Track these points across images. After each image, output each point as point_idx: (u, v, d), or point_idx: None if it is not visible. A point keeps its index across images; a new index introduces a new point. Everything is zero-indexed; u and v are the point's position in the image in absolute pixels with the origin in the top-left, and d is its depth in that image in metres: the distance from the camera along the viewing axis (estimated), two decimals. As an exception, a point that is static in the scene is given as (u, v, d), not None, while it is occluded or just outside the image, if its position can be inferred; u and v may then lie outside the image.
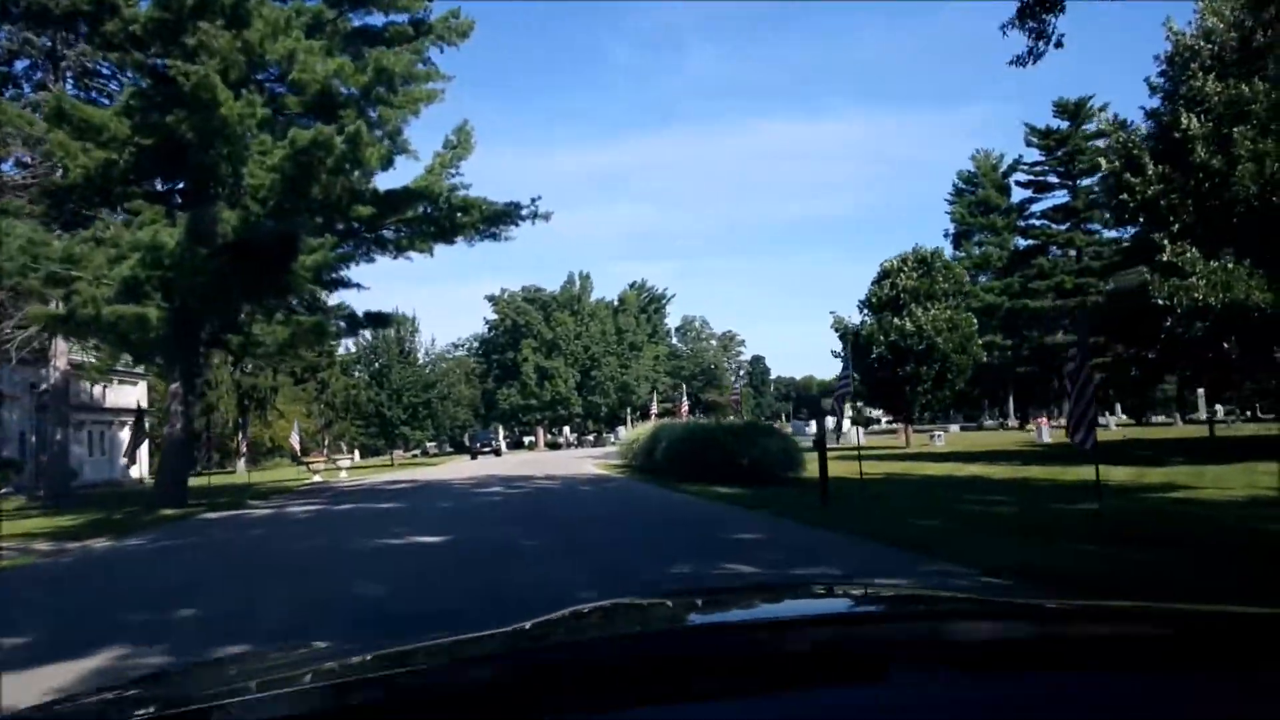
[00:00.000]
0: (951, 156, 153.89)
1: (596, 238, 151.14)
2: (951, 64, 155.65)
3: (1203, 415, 44.64)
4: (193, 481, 23.08)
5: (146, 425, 45.71)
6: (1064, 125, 59.37)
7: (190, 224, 17.75)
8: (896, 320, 36.28)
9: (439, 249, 22.66)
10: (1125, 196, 24.31)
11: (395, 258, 22.62)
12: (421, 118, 21.31)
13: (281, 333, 21.15)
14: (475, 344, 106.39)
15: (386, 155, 20.13)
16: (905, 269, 37.31)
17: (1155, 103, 26.22)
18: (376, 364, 51.77)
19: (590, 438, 72.67)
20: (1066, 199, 60.00)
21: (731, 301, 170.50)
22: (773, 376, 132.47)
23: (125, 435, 44.46)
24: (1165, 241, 22.49)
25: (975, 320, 38.09)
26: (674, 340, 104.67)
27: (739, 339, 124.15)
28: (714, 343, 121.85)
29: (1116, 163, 25.19)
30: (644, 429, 27.24)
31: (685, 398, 29.57)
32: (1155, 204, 23.26)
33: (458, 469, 38.55)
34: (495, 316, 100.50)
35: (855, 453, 19.09)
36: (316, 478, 34.23)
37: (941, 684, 1.05)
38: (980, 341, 37.69)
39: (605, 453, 47.42)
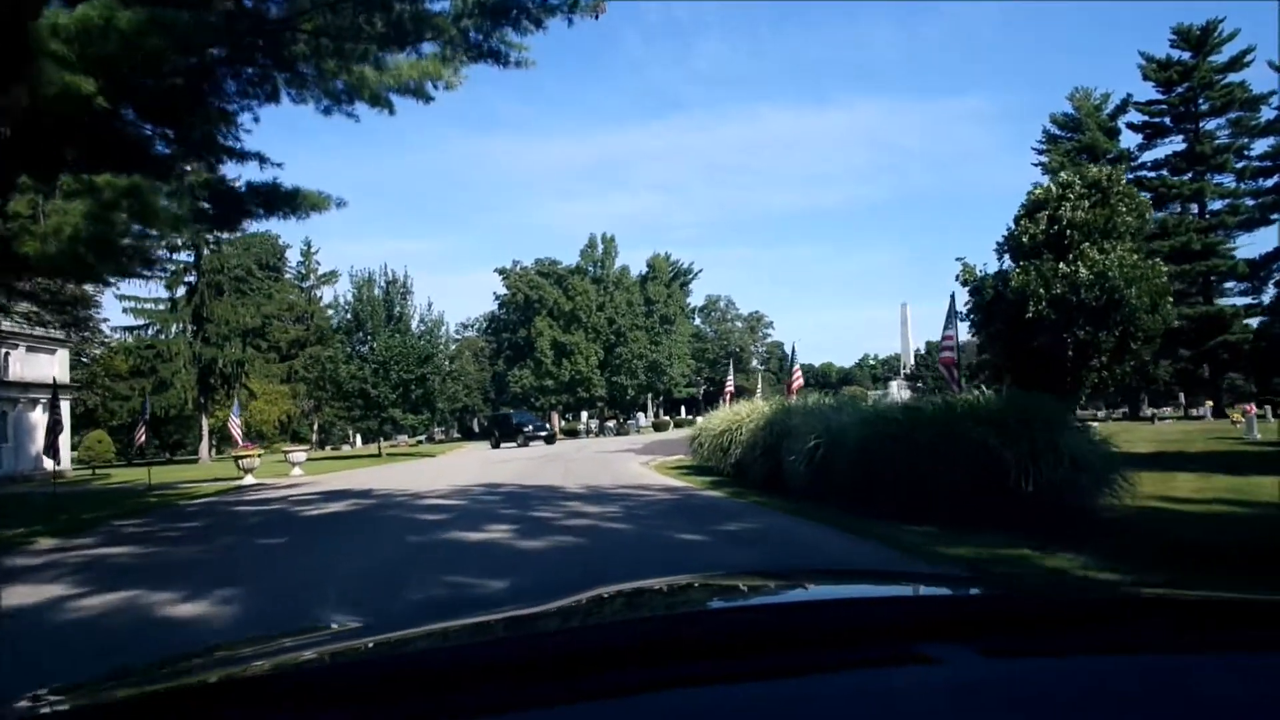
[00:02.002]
0: (952, 148, 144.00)
1: (600, 227, 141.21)
2: (959, 54, 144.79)
3: None
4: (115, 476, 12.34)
5: (66, 404, 35.33)
6: (1185, 57, 48.28)
7: None
8: (1063, 266, 25.31)
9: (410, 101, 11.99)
10: None
11: (307, 96, 11.83)
12: None
13: (72, 214, 10.21)
14: (484, 323, 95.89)
15: None
16: (1070, 196, 26.27)
17: None
18: (358, 331, 41.00)
19: (611, 424, 61.96)
20: (1184, 145, 48.87)
21: (739, 290, 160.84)
22: (794, 363, 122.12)
23: (41, 416, 33.94)
24: None
25: (1165, 269, 27.06)
26: (697, 321, 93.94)
27: (766, 320, 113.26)
28: (739, 324, 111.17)
29: None
30: (743, 412, 16.56)
31: (796, 366, 18.60)
32: None
33: (455, 467, 27.81)
34: (506, 291, 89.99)
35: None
36: (248, 478, 23.56)
37: (970, 669, 1.01)
38: (1171, 300, 26.61)
39: (641, 444, 36.62)
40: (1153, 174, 49.12)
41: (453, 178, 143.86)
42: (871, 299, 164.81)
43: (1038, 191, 27.41)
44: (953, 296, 16.21)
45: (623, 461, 24.46)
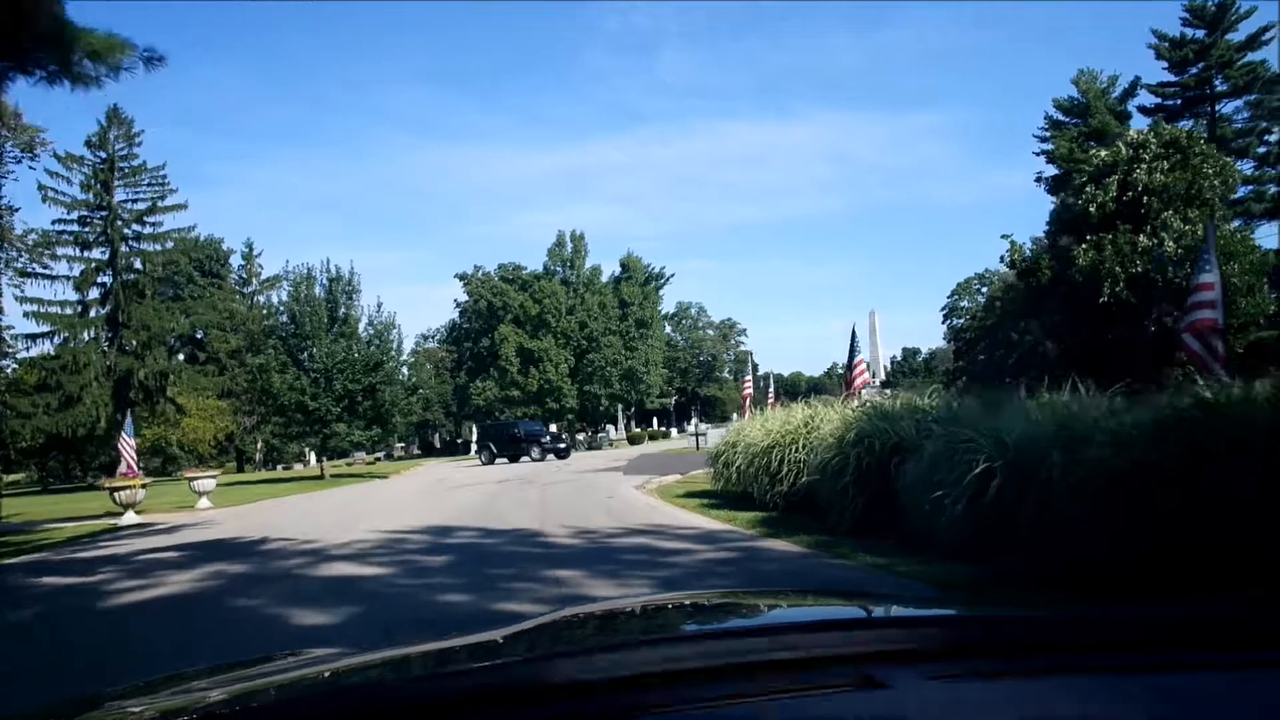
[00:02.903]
0: (915, 161, 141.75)
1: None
2: (917, 69, 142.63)
3: None
4: None
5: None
6: (1199, 35, 44.47)
7: None
8: (1142, 239, 20.74)
9: None
10: None
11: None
12: None
13: None
14: (444, 332, 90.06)
15: None
16: (1145, 157, 21.70)
17: None
18: (296, 336, 35.36)
19: (581, 438, 56.63)
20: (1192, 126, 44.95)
21: (705, 302, 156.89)
22: (760, 373, 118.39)
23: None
24: None
25: (1259, 246, 22.63)
26: (667, 329, 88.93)
27: (739, 328, 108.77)
28: (711, 332, 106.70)
29: None
30: (797, 419, 11.54)
31: (860, 356, 13.67)
32: None
33: (402, 494, 22.52)
34: (467, 298, 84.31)
35: None
36: (128, 515, 18.00)
37: (925, 690, 1.01)
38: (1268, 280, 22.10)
39: (624, 460, 31.44)
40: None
41: (415, 189, 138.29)
42: (838, 308, 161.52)
43: (1103, 154, 22.84)
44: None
45: (612, 484, 19.27)
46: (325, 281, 36.78)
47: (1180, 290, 20.20)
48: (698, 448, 41.49)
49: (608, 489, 17.98)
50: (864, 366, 13.06)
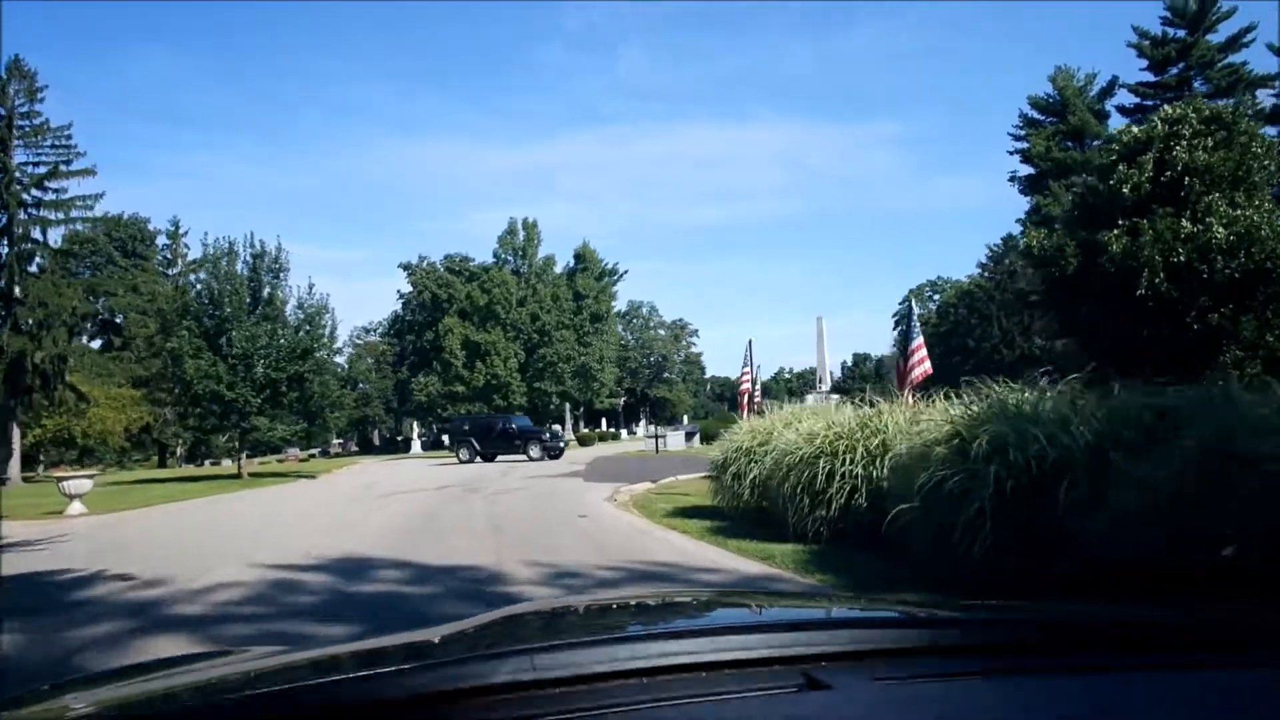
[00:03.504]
0: (866, 167, 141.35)
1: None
2: (872, 77, 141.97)
3: None
4: None
5: None
6: (1180, 34, 42.82)
7: None
8: (1186, 224, 18.09)
9: None
10: None
11: None
12: None
13: None
14: (386, 325, 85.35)
15: None
16: (1185, 133, 19.05)
17: None
18: (213, 312, 31.21)
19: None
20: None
21: (657, 302, 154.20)
22: (707, 375, 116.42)
23: None
24: None
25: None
26: (618, 327, 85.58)
27: (691, 328, 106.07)
28: (662, 332, 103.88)
29: None
30: (846, 422, 8.28)
31: (918, 340, 10.50)
32: None
33: (319, 503, 18.96)
34: (410, 289, 79.84)
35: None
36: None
37: (862, 692, 1.01)
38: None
39: (581, 464, 28.07)
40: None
41: (367, 183, 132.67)
42: (786, 313, 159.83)
43: (1136, 131, 20.17)
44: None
45: (577, 495, 15.88)
46: (249, 258, 32.65)
47: (1233, 284, 17.59)
48: (657, 450, 38.33)
49: (574, 501, 14.60)
50: (924, 354, 9.90)
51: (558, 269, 50.87)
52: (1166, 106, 20.92)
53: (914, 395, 9.68)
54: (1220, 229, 17.51)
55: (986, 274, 79.68)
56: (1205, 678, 1.10)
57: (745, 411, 16.26)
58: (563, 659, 1.05)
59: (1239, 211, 17.66)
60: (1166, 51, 42.28)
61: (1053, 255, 20.42)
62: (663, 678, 1.02)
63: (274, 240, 33.29)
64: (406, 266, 79.80)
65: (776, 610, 1.78)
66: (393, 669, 1.16)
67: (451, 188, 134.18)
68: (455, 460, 34.17)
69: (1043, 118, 46.35)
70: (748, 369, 18.88)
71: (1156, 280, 17.80)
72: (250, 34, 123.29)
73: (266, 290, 32.51)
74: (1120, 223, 18.85)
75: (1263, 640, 1.24)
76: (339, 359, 34.64)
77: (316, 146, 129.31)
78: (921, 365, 9.76)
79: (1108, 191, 19.56)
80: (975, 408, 6.74)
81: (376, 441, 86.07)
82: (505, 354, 46.86)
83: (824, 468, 8.41)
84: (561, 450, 35.47)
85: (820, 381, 79.08)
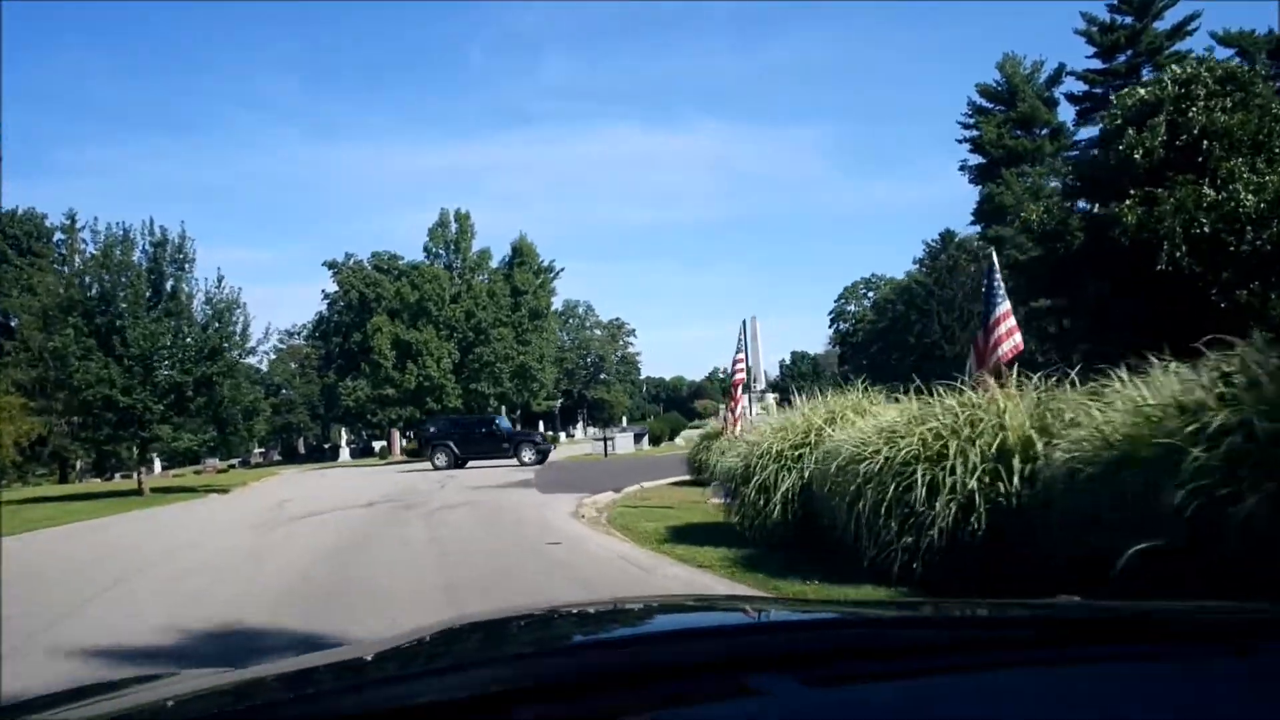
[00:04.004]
0: (795, 175, 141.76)
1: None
2: (797, 83, 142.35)
3: None
4: None
5: None
6: (1128, 21, 41.97)
7: None
8: (1209, 191, 16.26)
9: None
10: None
11: None
12: None
13: None
14: (310, 327, 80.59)
15: None
16: (1200, 94, 17.21)
17: None
18: (105, 308, 27.42)
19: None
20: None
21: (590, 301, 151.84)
22: (642, 376, 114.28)
23: None
24: None
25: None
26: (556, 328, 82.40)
27: (628, 328, 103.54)
28: (599, 332, 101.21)
29: None
30: (919, 419, 5.68)
31: (1003, 306, 8.08)
32: None
33: (213, 529, 15.82)
34: (336, 288, 75.37)
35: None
36: None
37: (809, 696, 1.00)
38: None
39: (525, 472, 25.21)
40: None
41: (286, 183, 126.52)
42: (720, 314, 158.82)
43: (1143, 93, 18.28)
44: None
45: (535, 511, 13.07)
46: (149, 247, 28.85)
47: (1263, 258, 15.76)
48: (606, 454, 35.62)
49: (535, 521, 11.81)
50: (1014, 324, 7.45)
51: (494, 263, 47.63)
52: (1175, 66, 19.15)
53: (999, 375, 7.18)
54: (1249, 196, 15.66)
55: (925, 269, 79.26)
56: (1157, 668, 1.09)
57: (737, 406, 13.71)
58: (498, 673, 1.03)
59: (1267, 178, 15.84)
60: (1115, 38, 41.39)
61: (1055, 230, 18.41)
62: (599, 688, 1.00)
63: (177, 228, 29.13)
64: (332, 265, 75.36)
65: (710, 615, 1.76)
66: (321, 690, 1.11)
67: (375, 190, 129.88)
68: (430, 467, 30.65)
69: (991, 105, 45.10)
70: (742, 355, 15.93)
71: (1177, 254, 15.87)
72: (157, 24, 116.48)
73: (169, 284, 28.75)
74: (1132, 193, 16.89)
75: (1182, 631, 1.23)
76: (253, 360, 30.84)
77: (230, 144, 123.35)
78: (1012, 338, 7.30)
79: (1116, 159, 17.61)
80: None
81: (302, 450, 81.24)
82: (438, 353, 43.50)
83: (922, 478, 5.85)
84: (549, 452, 32.42)
85: (755, 381, 77.37)
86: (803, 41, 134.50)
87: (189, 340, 28.44)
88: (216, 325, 29.02)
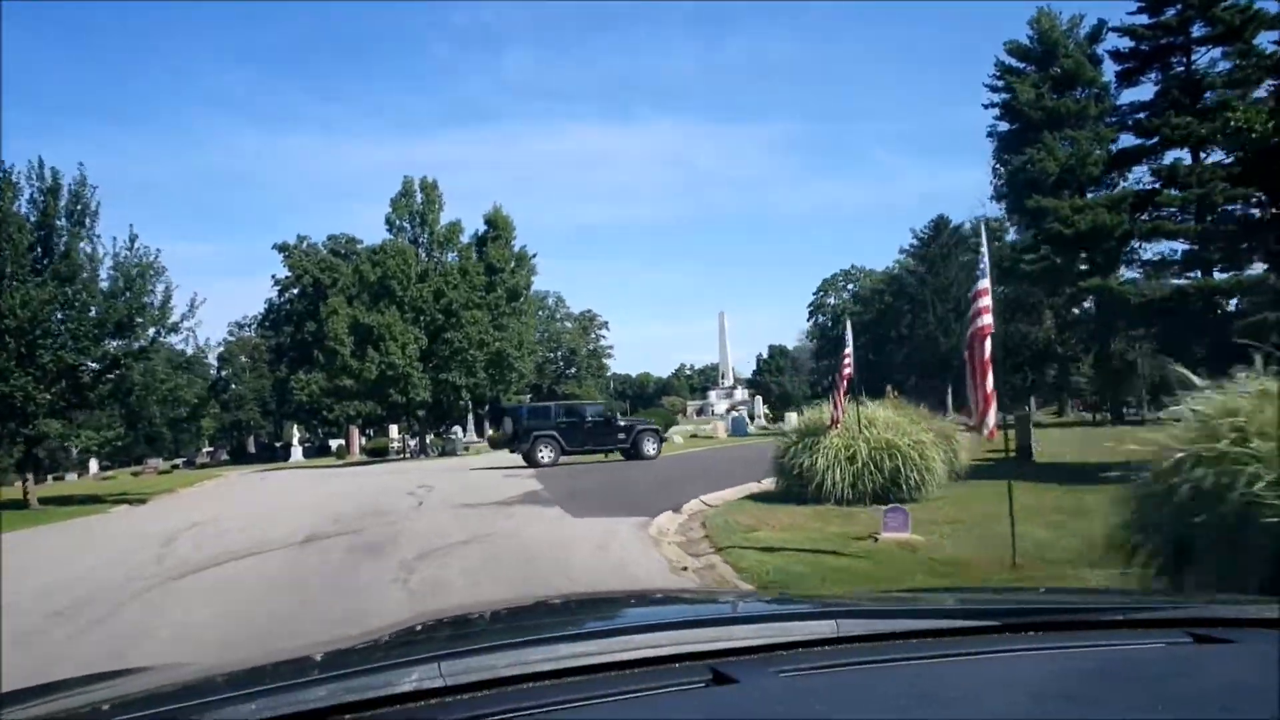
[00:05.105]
0: (753, 172, 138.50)
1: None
2: (752, 80, 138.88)
3: None
4: None
5: None
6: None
7: None
8: None
9: None
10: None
11: None
12: None
13: None
14: (260, 316, 73.65)
15: None
16: None
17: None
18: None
19: (430, 440, 43.67)
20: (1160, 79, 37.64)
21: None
22: (610, 373, 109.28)
23: None
24: None
25: None
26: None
27: (600, 320, 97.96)
28: (570, 324, 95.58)
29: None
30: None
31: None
32: None
33: (98, 563, 9.54)
34: (289, 274, 68.64)
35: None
36: None
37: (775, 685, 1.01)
38: None
39: (515, 476, 19.58)
40: (1143, 115, 37.22)
41: (239, 177, 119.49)
42: (685, 311, 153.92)
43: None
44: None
45: (582, 553, 7.51)
46: (38, 195, 22.62)
47: None
48: (606, 454, 29.97)
49: (601, 585, 6.25)
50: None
51: (465, 238, 41.67)
52: None
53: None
54: None
55: (915, 258, 74.67)
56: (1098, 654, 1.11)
57: (841, 402, 8.86)
58: (471, 664, 1.03)
59: None
60: (1165, -12, 36.65)
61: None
62: (572, 679, 1.00)
63: (73, 171, 22.93)
64: (284, 248, 68.69)
65: (683, 607, 1.78)
66: (299, 680, 1.09)
67: (331, 185, 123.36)
68: (524, 465, 24.38)
69: (1023, 65, 40.21)
70: (848, 351, 11.08)
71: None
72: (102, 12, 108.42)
73: (63, 241, 22.53)
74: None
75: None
76: (176, 339, 24.69)
77: (176, 136, 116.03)
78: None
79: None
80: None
81: (252, 449, 74.28)
82: (403, 339, 37.46)
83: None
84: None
85: (723, 377, 72.49)
86: (760, 37, 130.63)
87: (92, 313, 22.34)
88: (127, 295, 22.87)
